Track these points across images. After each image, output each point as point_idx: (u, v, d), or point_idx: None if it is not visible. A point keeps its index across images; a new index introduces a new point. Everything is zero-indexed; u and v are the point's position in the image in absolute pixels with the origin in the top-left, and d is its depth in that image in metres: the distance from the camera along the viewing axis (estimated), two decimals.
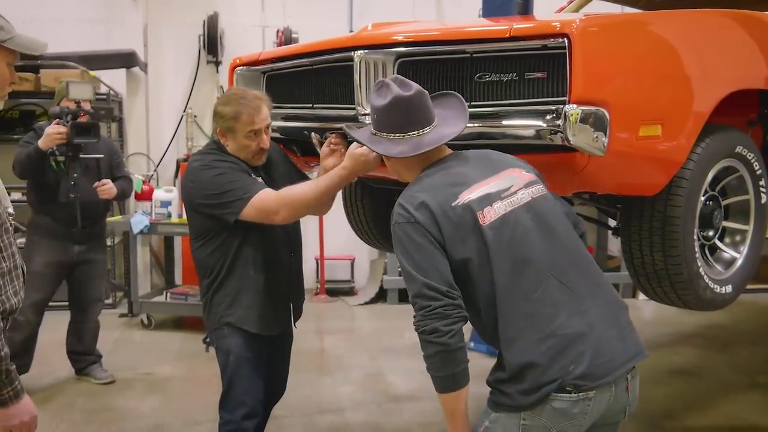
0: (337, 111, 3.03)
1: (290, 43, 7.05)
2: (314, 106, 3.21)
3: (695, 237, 2.91)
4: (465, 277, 2.10)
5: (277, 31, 7.41)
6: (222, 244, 2.96)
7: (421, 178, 2.23)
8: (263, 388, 3.07)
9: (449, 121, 2.32)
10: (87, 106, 4.69)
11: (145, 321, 6.43)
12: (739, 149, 3.02)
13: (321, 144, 2.98)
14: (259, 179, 2.97)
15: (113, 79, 7.13)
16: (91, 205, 4.71)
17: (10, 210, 2.10)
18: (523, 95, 2.52)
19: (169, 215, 6.40)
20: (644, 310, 6.97)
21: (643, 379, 2.21)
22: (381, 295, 7.43)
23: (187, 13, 7.42)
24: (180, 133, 7.56)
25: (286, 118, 3.28)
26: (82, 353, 5.00)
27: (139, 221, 6.31)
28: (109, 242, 7.06)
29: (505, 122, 2.52)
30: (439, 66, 2.70)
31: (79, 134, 4.51)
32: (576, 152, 2.41)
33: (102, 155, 4.79)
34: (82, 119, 4.59)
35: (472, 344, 5.15)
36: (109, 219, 6.64)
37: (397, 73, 2.71)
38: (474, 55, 2.61)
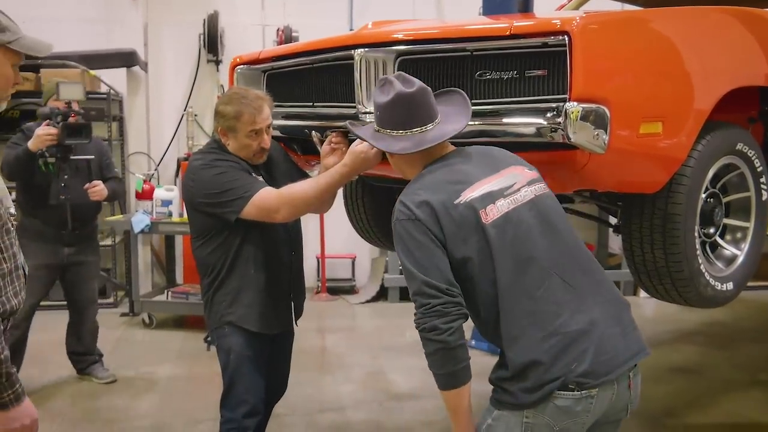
0: (337, 109, 3.03)
1: (290, 42, 7.05)
2: (315, 104, 3.21)
3: (696, 234, 2.91)
4: (466, 275, 2.10)
5: (278, 30, 7.41)
6: (223, 243, 2.97)
7: (423, 175, 2.23)
8: (264, 387, 3.08)
9: (452, 117, 2.32)
10: (75, 107, 4.64)
11: (147, 320, 6.43)
12: (739, 146, 3.02)
13: (322, 142, 2.98)
14: (260, 178, 2.97)
15: (114, 78, 7.13)
16: (82, 207, 4.65)
17: (12, 210, 2.09)
18: (524, 93, 2.52)
19: (170, 214, 6.40)
20: (645, 307, 6.97)
21: (644, 377, 2.21)
22: (382, 294, 7.44)
23: (187, 12, 7.42)
24: (180, 132, 7.57)
25: (287, 116, 3.28)
26: (82, 353, 4.99)
27: (140, 220, 6.31)
28: (109, 241, 7.10)
29: (505, 120, 2.52)
30: (440, 64, 2.70)
31: (70, 135, 4.44)
32: (577, 150, 2.41)
33: (93, 156, 4.73)
34: (72, 120, 4.52)
35: (473, 342, 5.15)
36: (109, 218, 6.70)
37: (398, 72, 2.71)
38: (474, 53, 2.61)
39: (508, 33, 2.50)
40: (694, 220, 2.88)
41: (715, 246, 3.11)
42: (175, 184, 6.97)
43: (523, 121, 2.47)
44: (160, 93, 7.61)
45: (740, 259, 3.14)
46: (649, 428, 4.14)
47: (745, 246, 3.15)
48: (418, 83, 2.26)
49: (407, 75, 2.31)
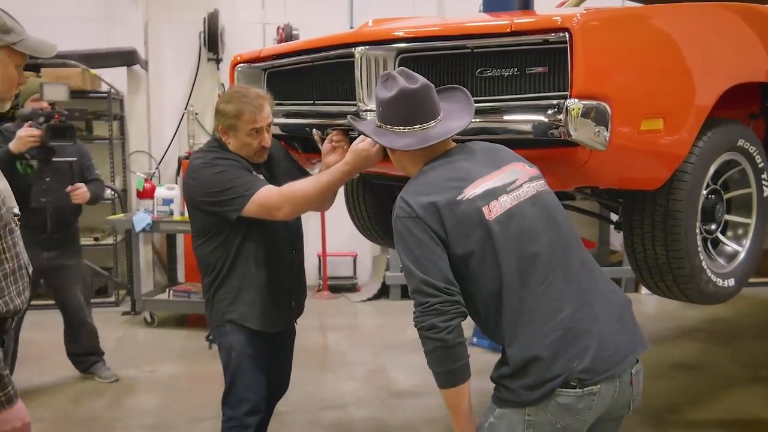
0: (338, 107, 3.03)
1: (291, 40, 7.05)
2: (315, 102, 3.21)
3: (697, 231, 2.90)
4: (466, 272, 2.09)
5: (278, 28, 7.40)
6: (224, 242, 2.97)
7: (425, 171, 2.22)
8: (266, 385, 3.08)
9: (455, 114, 2.31)
10: (48, 108, 4.49)
11: (148, 319, 6.44)
12: (741, 142, 3.02)
13: (323, 140, 2.97)
14: (261, 176, 2.97)
15: (114, 77, 7.13)
16: (64, 210, 4.56)
17: (16, 210, 2.11)
18: (525, 90, 2.52)
19: (171, 213, 6.40)
20: (647, 304, 6.96)
21: (646, 374, 2.21)
22: (383, 292, 7.44)
23: (187, 11, 7.41)
24: (181, 131, 7.57)
25: (288, 115, 3.28)
26: (81, 354, 4.96)
27: (141, 219, 6.31)
28: (111, 240, 7.10)
29: (506, 117, 2.52)
30: (440, 62, 2.69)
31: (54, 137, 4.33)
32: (578, 147, 2.41)
33: (75, 158, 4.63)
34: (55, 121, 4.39)
35: (474, 339, 5.16)
36: (111, 217, 6.71)
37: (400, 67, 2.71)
38: (475, 50, 2.61)
39: (508, 30, 2.50)
40: (695, 216, 2.88)
41: (716, 242, 3.11)
42: (176, 183, 6.97)
43: (524, 119, 2.47)
44: (160, 92, 7.61)
45: (741, 256, 3.14)
46: (650, 424, 4.14)
47: (747, 242, 3.15)
48: (421, 79, 2.25)
49: (410, 71, 2.30)
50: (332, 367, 5.39)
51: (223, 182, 2.86)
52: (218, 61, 7.51)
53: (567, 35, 2.35)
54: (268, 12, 7.68)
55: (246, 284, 3.00)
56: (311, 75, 3.21)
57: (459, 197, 2.10)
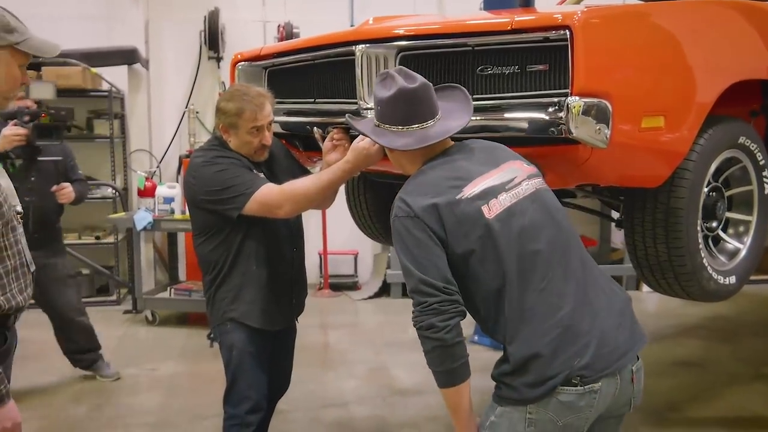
0: (339, 105, 3.03)
1: (291, 38, 7.05)
2: (316, 100, 3.21)
3: (699, 228, 2.90)
4: (466, 271, 2.09)
5: (278, 27, 7.40)
6: (224, 240, 2.97)
7: (424, 171, 2.22)
8: (267, 383, 3.08)
9: (454, 114, 2.31)
10: (33, 107, 4.44)
11: (150, 317, 6.44)
12: (742, 140, 3.02)
13: (323, 139, 2.97)
14: (261, 175, 2.97)
15: (115, 75, 7.14)
16: (46, 210, 4.49)
17: (18, 208, 2.13)
18: (526, 88, 2.52)
19: (172, 212, 6.41)
20: (648, 302, 6.96)
21: (647, 372, 2.21)
22: (384, 290, 7.44)
23: (187, 10, 7.42)
24: (182, 130, 7.57)
25: (288, 113, 3.28)
26: (79, 352, 4.89)
27: (142, 218, 6.32)
28: (112, 239, 7.11)
29: (507, 115, 2.52)
30: (441, 60, 2.69)
31: (41, 136, 4.27)
32: (579, 144, 2.41)
33: (60, 158, 4.57)
34: (42, 119, 4.34)
35: (476, 337, 5.16)
36: (112, 216, 6.71)
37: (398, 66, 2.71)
38: (476, 48, 2.61)
39: (509, 28, 2.50)
40: (696, 214, 2.88)
41: (717, 240, 3.11)
42: (177, 182, 6.97)
43: (524, 116, 2.47)
44: (161, 90, 7.61)
45: (743, 253, 3.14)
46: (652, 422, 4.14)
47: (748, 240, 3.15)
48: (420, 78, 2.25)
49: (408, 70, 2.30)
50: (333, 366, 5.39)
51: (224, 181, 2.86)
52: (219, 59, 7.51)
53: (568, 33, 2.35)
54: (269, 10, 7.68)
55: (247, 282, 3.00)
56: (312, 73, 3.20)
57: (458, 196, 2.10)
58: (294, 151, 3.33)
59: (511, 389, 2.06)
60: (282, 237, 3.08)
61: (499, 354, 2.13)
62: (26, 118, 4.31)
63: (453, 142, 2.31)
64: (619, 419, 2.23)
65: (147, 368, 5.25)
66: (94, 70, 6.88)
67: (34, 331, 4.68)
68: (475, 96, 2.57)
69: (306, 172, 3.18)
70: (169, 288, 6.74)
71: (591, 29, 2.37)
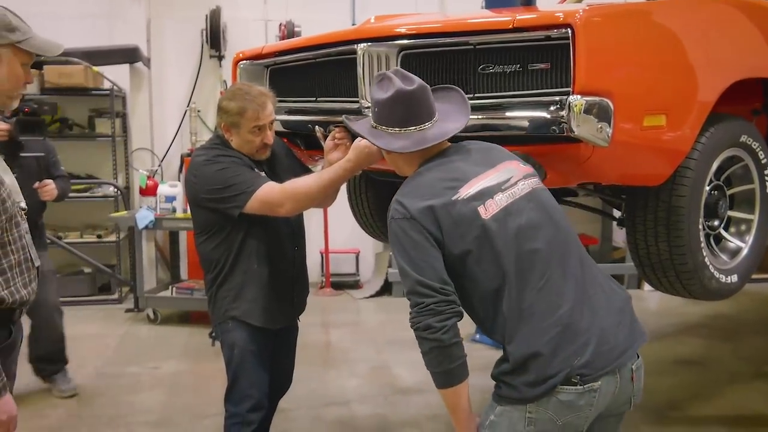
0: (340, 104, 3.03)
1: (293, 37, 7.05)
2: (318, 99, 3.21)
3: (700, 227, 2.90)
4: (463, 271, 2.09)
5: (280, 25, 7.41)
6: (226, 239, 2.97)
7: (420, 173, 2.22)
8: (268, 381, 3.08)
9: (452, 115, 2.31)
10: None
11: (151, 316, 6.45)
12: (743, 138, 3.02)
13: (325, 137, 2.98)
14: (263, 174, 2.97)
15: (116, 74, 7.13)
16: (30, 207, 4.39)
17: (23, 204, 2.16)
18: (527, 86, 2.52)
19: (174, 210, 6.41)
20: (649, 300, 6.96)
21: (648, 370, 2.21)
22: (386, 288, 7.44)
23: (189, 8, 7.42)
24: (184, 128, 7.57)
25: (290, 111, 3.28)
26: (45, 360, 4.65)
27: (144, 216, 6.33)
28: (114, 237, 7.11)
29: (508, 114, 2.52)
30: (443, 58, 2.69)
31: (23, 131, 4.19)
32: (580, 143, 2.41)
33: (43, 153, 4.49)
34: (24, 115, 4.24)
35: (477, 336, 5.16)
36: (114, 214, 6.72)
37: (401, 66, 2.71)
38: (477, 46, 2.61)
39: (510, 26, 2.50)
40: (698, 212, 2.88)
41: (719, 238, 3.11)
42: (179, 180, 6.97)
43: (526, 115, 2.47)
44: (163, 89, 7.61)
45: (744, 252, 3.14)
46: (653, 421, 4.14)
47: (750, 238, 3.15)
48: (417, 80, 2.25)
49: (406, 71, 2.30)
50: (335, 364, 5.40)
51: (225, 179, 2.86)
52: (220, 58, 7.50)
53: (569, 31, 2.35)
54: (270, 9, 7.68)
55: (248, 281, 3.00)
56: (313, 72, 3.21)
57: (454, 198, 2.10)
58: (296, 149, 3.34)
59: (511, 388, 2.06)
60: (283, 235, 3.08)
61: (500, 353, 2.13)
62: (8, 113, 4.19)
63: (449, 144, 2.31)
64: (619, 417, 2.23)
65: (149, 367, 5.26)
66: (96, 68, 6.89)
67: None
68: (476, 95, 2.58)
69: (307, 171, 3.18)
70: (170, 286, 6.76)
71: (592, 28, 2.37)
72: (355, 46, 2.82)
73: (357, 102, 2.88)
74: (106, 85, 7.01)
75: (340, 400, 4.64)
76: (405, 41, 2.76)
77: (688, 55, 2.72)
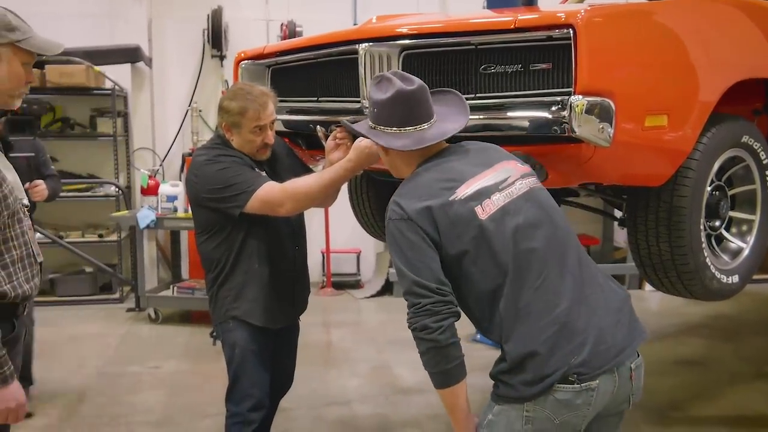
0: (342, 104, 3.03)
1: (294, 37, 7.05)
2: (319, 99, 3.21)
3: (702, 227, 2.90)
4: (460, 271, 2.10)
5: (281, 25, 7.41)
6: (226, 238, 2.97)
7: (418, 173, 2.22)
8: (269, 381, 3.08)
9: (450, 117, 2.31)
10: None
11: (153, 315, 6.45)
12: (745, 139, 3.02)
13: (326, 137, 2.98)
14: (263, 173, 2.97)
15: (118, 74, 7.14)
16: None
17: (25, 201, 2.19)
18: (528, 86, 2.52)
19: (176, 210, 6.41)
20: (650, 300, 6.95)
21: (650, 370, 2.21)
22: (387, 288, 7.44)
23: (190, 8, 7.42)
24: (185, 128, 7.57)
25: (292, 111, 3.28)
26: None
27: (145, 216, 6.33)
28: (115, 237, 7.12)
29: (510, 114, 2.52)
30: (444, 58, 2.69)
31: (13, 131, 4.12)
32: (582, 143, 2.41)
33: (33, 153, 4.45)
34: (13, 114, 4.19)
35: (478, 336, 5.16)
36: (115, 214, 6.72)
37: (402, 66, 2.71)
38: (479, 46, 2.61)
39: (512, 26, 2.51)
40: (699, 212, 2.88)
41: (720, 239, 3.11)
42: (180, 180, 6.98)
43: (527, 115, 2.47)
44: (164, 89, 7.61)
45: (746, 252, 3.14)
46: (654, 421, 4.14)
47: (751, 239, 3.15)
48: (417, 81, 2.25)
49: (405, 73, 2.30)
50: (336, 364, 5.40)
51: (226, 179, 2.86)
52: (222, 57, 7.51)
53: (571, 32, 2.35)
54: (272, 9, 7.68)
55: (249, 281, 3.00)
56: (315, 72, 3.21)
57: (451, 198, 2.10)
58: (297, 149, 3.34)
59: (509, 387, 2.06)
60: (284, 235, 3.08)
61: (500, 353, 2.14)
62: None
63: (447, 145, 2.31)
64: (619, 416, 2.23)
65: (150, 366, 5.26)
66: (98, 68, 6.89)
67: (40, 328, 4.69)
68: (478, 95, 2.58)
69: (308, 171, 3.18)
70: (172, 286, 6.76)
71: (594, 28, 2.38)
72: (357, 46, 2.82)
73: (358, 102, 2.89)
74: (108, 84, 7.01)
75: (341, 399, 4.65)
76: (406, 41, 2.76)
77: (690, 56, 2.72)
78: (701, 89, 2.74)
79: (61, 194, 5.75)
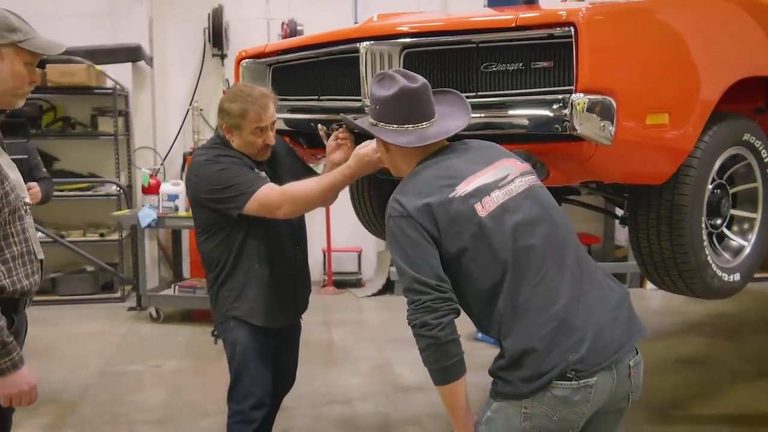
0: (343, 103, 3.03)
1: (295, 36, 7.05)
2: (321, 98, 3.21)
3: (703, 225, 2.90)
4: (459, 269, 2.10)
5: (282, 24, 7.41)
6: (226, 238, 2.97)
7: (417, 171, 2.22)
8: (271, 379, 3.08)
9: (452, 115, 2.31)
10: None
11: (154, 314, 6.45)
12: (746, 137, 3.02)
13: (328, 136, 2.98)
14: (263, 174, 2.97)
15: (119, 73, 7.13)
16: None
17: (27, 200, 2.22)
18: (530, 85, 2.52)
19: (177, 209, 6.41)
20: (652, 299, 6.95)
21: (651, 369, 2.20)
22: (388, 287, 7.44)
23: (191, 7, 7.42)
24: (186, 127, 7.57)
25: (293, 110, 3.28)
26: None
27: (146, 215, 6.33)
28: (116, 236, 7.12)
29: (511, 112, 2.52)
30: (445, 57, 2.69)
31: (5, 133, 4.15)
32: (583, 141, 2.41)
33: (25, 156, 4.40)
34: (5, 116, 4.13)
35: (479, 335, 5.15)
36: (116, 213, 6.73)
37: (403, 65, 2.72)
38: (480, 45, 2.61)
39: (513, 24, 2.51)
40: (700, 211, 2.88)
41: (722, 237, 3.11)
42: (182, 179, 6.96)
43: (528, 113, 2.47)
44: (165, 88, 7.61)
45: (747, 250, 3.14)
46: (655, 419, 4.13)
47: (752, 237, 3.15)
48: (421, 79, 2.25)
49: (407, 71, 2.30)
50: (337, 363, 5.40)
51: (225, 180, 2.86)
52: (223, 56, 7.50)
53: (572, 30, 2.35)
54: (273, 7, 7.68)
55: (250, 281, 3.00)
56: (316, 70, 3.21)
57: (451, 195, 2.11)
58: (298, 148, 3.34)
59: (507, 384, 2.07)
60: (284, 235, 3.08)
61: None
62: None
63: (447, 143, 2.31)
64: (619, 414, 2.23)
65: (151, 365, 5.26)
66: (99, 67, 6.89)
67: (40, 327, 4.70)
68: (479, 93, 2.58)
69: (309, 171, 3.18)
70: (173, 285, 6.76)
71: (595, 26, 2.38)
72: (358, 44, 2.82)
73: (359, 100, 2.89)
74: (109, 83, 7.01)
75: (342, 398, 4.65)
76: (407, 40, 2.76)
77: (691, 54, 2.72)
78: (702, 87, 2.74)
79: (63, 193, 5.75)
